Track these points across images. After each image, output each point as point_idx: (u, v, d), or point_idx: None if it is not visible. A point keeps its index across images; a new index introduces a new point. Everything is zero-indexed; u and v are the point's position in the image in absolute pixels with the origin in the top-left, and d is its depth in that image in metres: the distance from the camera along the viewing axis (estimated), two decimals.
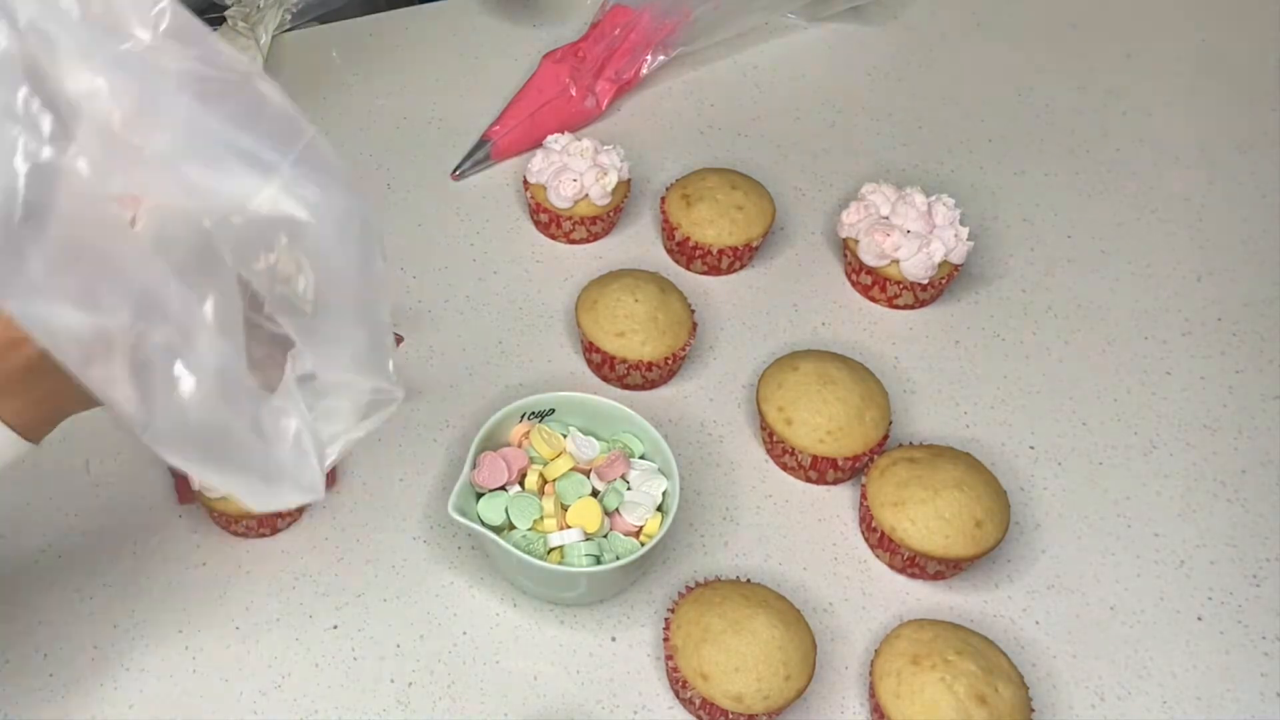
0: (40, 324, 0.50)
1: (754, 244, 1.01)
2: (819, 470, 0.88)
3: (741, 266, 1.03)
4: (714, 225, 1.00)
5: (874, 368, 0.96)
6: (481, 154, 1.08)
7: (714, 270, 1.02)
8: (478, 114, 1.12)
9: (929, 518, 0.83)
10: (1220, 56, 1.23)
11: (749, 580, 0.82)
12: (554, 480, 0.83)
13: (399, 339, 0.89)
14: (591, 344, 0.93)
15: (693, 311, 0.95)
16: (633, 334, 0.91)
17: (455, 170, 1.08)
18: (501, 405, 0.85)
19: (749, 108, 1.15)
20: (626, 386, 0.94)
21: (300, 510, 0.85)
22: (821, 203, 1.08)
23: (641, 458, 0.85)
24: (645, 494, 0.82)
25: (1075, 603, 0.85)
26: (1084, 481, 0.91)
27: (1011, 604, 0.85)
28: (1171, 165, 1.13)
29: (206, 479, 0.55)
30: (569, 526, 0.81)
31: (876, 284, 1.00)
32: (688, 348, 0.93)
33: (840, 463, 0.87)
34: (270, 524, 0.84)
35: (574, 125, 1.10)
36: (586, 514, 0.81)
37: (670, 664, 0.78)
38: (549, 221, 1.03)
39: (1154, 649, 0.83)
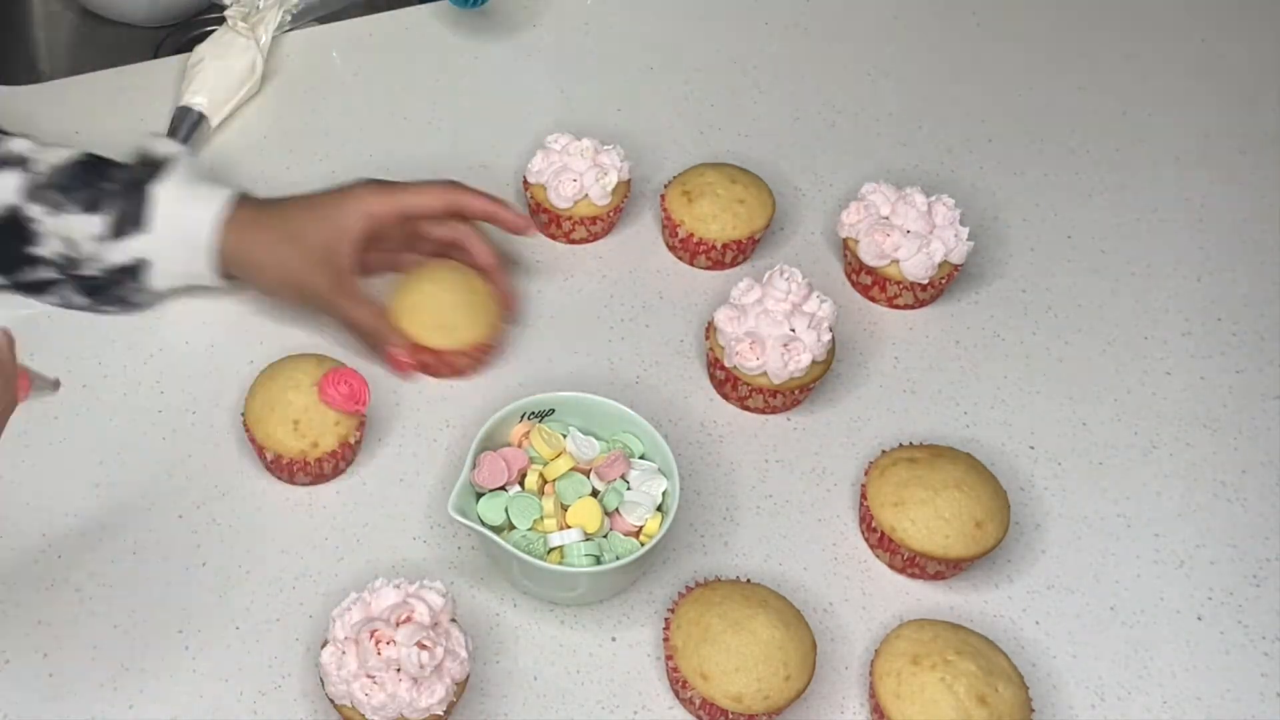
0: None
1: (756, 236, 1.01)
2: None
3: (744, 260, 1.03)
4: (717, 220, 1.00)
5: (874, 368, 0.96)
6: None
7: (717, 265, 1.02)
8: (477, 113, 1.11)
9: (929, 518, 0.83)
10: (1220, 56, 1.23)
11: (749, 580, 0.82)
12: (554, 480, 0.83)
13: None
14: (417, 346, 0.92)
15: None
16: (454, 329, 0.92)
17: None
18: (501, 405, 0.86)
19: (749, 108, 1.15)
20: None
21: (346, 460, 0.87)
22: (821, 203, 1.08)
23: (641, 458, 0.85)
24: (645, 494, 0.82)
25: (1075, 603, 0.85)
26: (1084, 481, 0.91)
27: (1011, 604, 0.85)
28: (1171, 165, 1.13)
29: None
30: (569, 526, 0.81)
31: (876, 284, 1.00)
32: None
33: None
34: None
35: None
36: (586, 514, 0.81)
37: (670, 664, 0.78)
38: (549, 221, 1.03)
39: (1154, 649, 0.83)
